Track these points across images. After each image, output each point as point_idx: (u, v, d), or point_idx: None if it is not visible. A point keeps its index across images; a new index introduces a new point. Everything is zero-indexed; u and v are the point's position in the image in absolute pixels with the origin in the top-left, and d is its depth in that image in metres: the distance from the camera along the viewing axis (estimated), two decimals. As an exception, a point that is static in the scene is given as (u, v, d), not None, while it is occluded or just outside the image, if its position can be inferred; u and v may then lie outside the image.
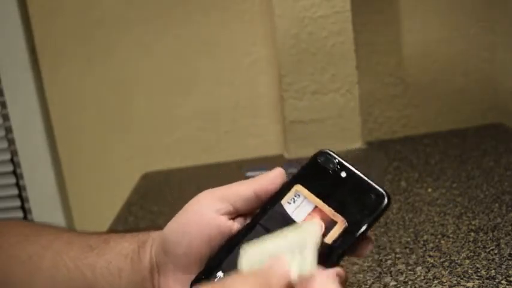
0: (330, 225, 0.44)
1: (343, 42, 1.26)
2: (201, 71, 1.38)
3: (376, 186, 0.45)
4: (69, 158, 1.44)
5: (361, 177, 0.46)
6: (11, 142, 1.43)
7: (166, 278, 0.47)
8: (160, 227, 0.49)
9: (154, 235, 0.49)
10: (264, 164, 1.32)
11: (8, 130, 1.42)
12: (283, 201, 0.46)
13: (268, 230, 0.45)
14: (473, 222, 0.86)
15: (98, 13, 1.36)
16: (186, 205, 0.48)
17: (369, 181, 0.46)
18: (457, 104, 1.40)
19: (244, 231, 0.46)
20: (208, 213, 0.46)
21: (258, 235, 0.44)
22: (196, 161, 1.41)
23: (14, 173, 1.45)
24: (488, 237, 0.81)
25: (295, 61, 1.27)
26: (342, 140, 1.31)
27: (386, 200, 0.44)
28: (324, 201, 0.45)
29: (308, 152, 1.37)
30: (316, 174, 0.47)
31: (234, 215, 0.47)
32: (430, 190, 1.02)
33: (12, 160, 1.44)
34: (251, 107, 1.40)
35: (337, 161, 0.47)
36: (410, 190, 1.03)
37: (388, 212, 0.95)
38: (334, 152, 0.47)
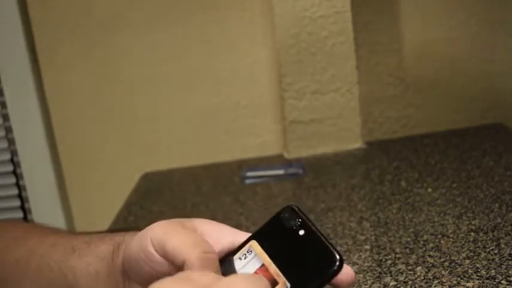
0: (272, 285, 0.42)
1: (343, 42, 1.26)
2: (201, 71, 1.38)
3: (331, 249, 0.43)
4: (69, 158, 1.44)
5: (317, 237, 0.44)
6: (11, 142, 1.43)
7: (131, 286, 0.47)
8: (138, 228, 0.48)
9: (128, 239, 0.48)
10: (264, 164, 1.32)
11: (8, 130, 1.42)
12: (235, 257, 0.45)
13: None
14: (473, 222, 0.86)
15: (97, 13, 1.36)
16: (141, 235, 0.45)
17: (326, 242, 0.43)
18: (457, 104, 1.40)
19: None
20: (146, 247, 0.44)
21: None
22: (196, 161, 1.41)
23: (14, 173, 1.45)
24: (488, 237, 0.81)
25: (295, 61, 1.27)
26: (342, 140, 1.31)
27: (337, 264, 0.42)
28: (273, 259, 0.44)
29: (308, 152, 1.38)
30: (274, 231, 0.46)
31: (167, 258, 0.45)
32: (430, 190, 1.02)
33: (12, 160, 1.44)
34: (251, 107, 1.40)
35: (299, 218, 0.45)
36: (410, 190, 1.03)
37: (388, 212, 0.95)
38: (300, 210, 0.46)
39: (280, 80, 1.29)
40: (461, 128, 1.37)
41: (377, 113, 1.40)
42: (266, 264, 0.44)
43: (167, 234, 0.43)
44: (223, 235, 0.45)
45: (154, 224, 0.45)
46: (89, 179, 1.45)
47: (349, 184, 1.11)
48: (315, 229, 0.44)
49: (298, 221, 0.45)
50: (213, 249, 0.43)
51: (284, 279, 0.42)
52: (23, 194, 1.46)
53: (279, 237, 0.45)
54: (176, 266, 0.43)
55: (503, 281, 0.69)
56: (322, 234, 0.44)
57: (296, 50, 1.26)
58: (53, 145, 1.43)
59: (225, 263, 0.45)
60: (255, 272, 0.44)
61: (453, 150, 1.23)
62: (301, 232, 0.45)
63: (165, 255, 0.43)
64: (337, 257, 0.42)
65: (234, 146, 1.41)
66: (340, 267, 0.41)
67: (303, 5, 1.24)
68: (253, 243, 0.45)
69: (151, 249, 0.44)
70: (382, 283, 0.73)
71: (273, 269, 0.43)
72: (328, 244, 0.43)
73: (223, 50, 1.37)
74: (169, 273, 0.43)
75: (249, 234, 0.46)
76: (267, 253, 0.44)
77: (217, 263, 0.43)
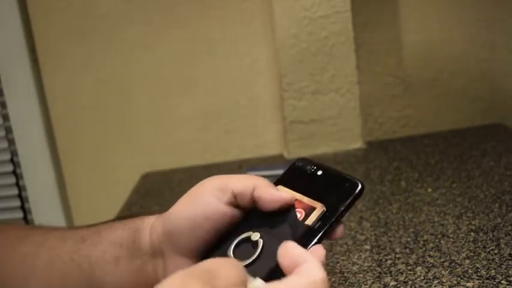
0: (309, 211, 0.48)
1: (343, 42, 1.26)
2: (201, 71, 1.38)
3: (350, 177, 0.50)
4: (69, 158, 1.44)
5: (336, 172, 0.51)
6: (11, 142, 1.43)
7: (170, 262, 0.48)
8: (154, 212, 0.49)
9: (153, 221, 0.49)
10: (264, 164, 1.32)
11: (8, 130, 1.42)
12: None
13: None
14: (473, 222, 0.86)
15: (97, 13, 1.36)
16: (191, 192, 0.49)
17: (343, 174, 0.50)
18: (457, 104, 1.40)
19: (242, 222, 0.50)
20: (213, 202, 0.47)
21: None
22: (196, 161, 1.41)
23: (14, 173, 1.45)
24: (488, 237, 0.81)
25: (295, 61, 1.27)
26: (342, 140, 1.31)
27: (359, 186, 0.49)
28: (303, 194, 0.50)
29: (308, 152, 1.38)
30: (295, 176, 0.53)
31: (235, 205, 0.48)
32: (430, 190, 1.02)
33: (12, 160, 1.44)
34: (251, 107, 1.40)
35: (314, 164, 0.52)
36: (410, 190, 1.03)
37: (388, 212, 0.95)
38: (311, 159, 0.53)
39: (280, 80, 1.29)
40: (461, 128, 1.37)
41: (377, 113, 1.40)
42: (299, 198, 0.50)
43: (227, 179, 0.48)
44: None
45: (200, 184, 0.49)
46: (89, 179, 1.45)
47: (349, 184, 1.11)
48: (331, 168, 0.52)
49: (314, 166, 0.52)
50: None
51: (320, 203, 0.48)
52: (23, 194, 1.46)
53: (301, 179, 0.52)
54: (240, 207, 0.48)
55: (503, 281, 0.69)
56: (339, 171, 0.51)
57: (296, 50, 1.26)
58: (53, 145, 1.43)
59: None
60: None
61: (453, 150, 1.23)
62: (319, 172, 0.52)
63: (231, 198, 0.48)
64: (358, 182, 0.49)
65: (234, 146, 1.41)
66: (363, 189, 0.48)
67: (303, 5, 1.24)
68: (280, 188, 0.51)
69: (216, 202, 0.47)
70: (382, 283, 0.73)
71: (307, 199, 0.49)
72: (347, 176, 0.50)
73: (223, 50, 1.37)
74: (230, 219, 0.47)
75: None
76: (296, 191, 0.50)
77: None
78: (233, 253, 0.47)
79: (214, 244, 0.48)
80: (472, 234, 0.83)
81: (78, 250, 0.50)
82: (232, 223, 0.48)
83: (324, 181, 0.51)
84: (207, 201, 0.47)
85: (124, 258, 0.48)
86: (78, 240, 0.51)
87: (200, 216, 0.47)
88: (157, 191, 1.27)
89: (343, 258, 0.81)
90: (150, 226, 0.49)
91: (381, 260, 0.79)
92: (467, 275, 0.71)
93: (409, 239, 0.84)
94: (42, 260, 0.51)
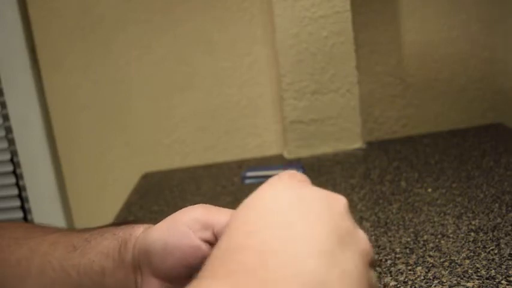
0: None
1: (343, 42, 1.26)
2: (200, 71, 1.38)
3: None
4: (69, 158, 1.44)
5: None
6: (11, 142, 1.43)
7: (145, 280, 0.47)
8: (142, 222, 0.48)
9: (137, 234, 0.48)
10: (264, 164, 1.32)
11: (8, 130, 1.42)
12: None
13: None
14: (473, 222, 0.86)
15: (97, 13, 1.36)
16: (173, 216, 0.46)
17: None
18: (457, 104, 1.40)
19: None
20: (188, 234, 0.45)
21: None
22: (196, 161, 1.41)
23: (14, 173, 1.45)
24: (488, 237, 0.81)
25: (295, 61, 1.27)
26: (342, 140, 1.31)
27: None
28: None
29: (308, 152, 1.38)
30: None
31: (212, 242, 0.45)
32: (430, 190, 1.02)
33: (12, 160, 1.44)
34: (251, 107, 1.40)
35: None
36: (410, 190, 1.03)
37: (388, 212, 0.95)
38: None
39: (280, 80, 1.29)
40: (461, 128, 1.37)
41: (377, 113, 1.40)
42: None
43: (211, 215, 0.45)
44: None
45: (184, 210, 0.46)
46: (89, 179, 1.45)
47: (349, 184, 1.11)
48: None
49: None
50: None
51: None
52: (23, 194, 1.46)
53: None
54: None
55: (503, 281, 0.69)
56: None
57: (296, 50, 1.26)
58: (53, 145, 1.43)
59: None
60: None
61: (453, 150, 1.23)
62: None
63: (211, 236, 0.45)
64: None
65: (234, 146, 1.41)
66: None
67: (303, 5, 1.24)
68: None
69: (191, 235, 0.45)
70: (382, 283, 0.73)
71: None
72: None
73: (223, 50, 1.37)
74: (202, 257, 0.44)
75: None
76: None
77: None
78: None
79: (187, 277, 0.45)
80: (472, 234, 0.83)
81: (69, 258, 0.50)
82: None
83: None
84: (183, 231, 0.45)
85: (109, 269, 0.48)
86: (69, 248, 0.50)
87: (171, 245, 0.45)
88: (157, 191, 1.27)
89: (343, 258, 0.81)
90: (136, 238, 0.48)
91: (381, 260, 0.79)
92: (467, 275, 0.71)
93: (409, 239, 0.84)
94: (35, 265, 0.51)
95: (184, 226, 0.45)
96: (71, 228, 0.58)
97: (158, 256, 0.45)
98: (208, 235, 0.45)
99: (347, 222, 0.35)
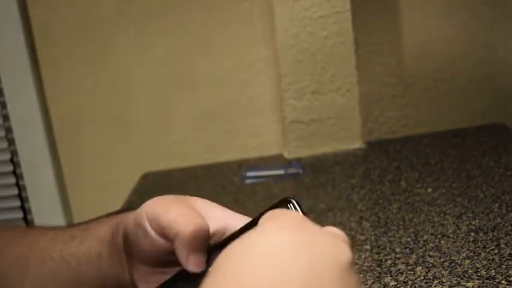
0: None
1: (343, 42, 1.26)
2: (201, 71, 1.38)
3: None
4: (69, 158, 1.44)
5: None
6: (11, 142, 1.43)
7: (135, 265, 0.47)
8: (135, 208, 0.48)
9: (125, 218, 0.48)
10: (264, 164, 1.32)
11: (8, 130, 1.42)
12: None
13: None
14: (473, 222, 0.86)
15: (97, 13, 1.36)
16: (137, 212, 0.45)
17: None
18: (457, 104, 1.40)
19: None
20: (152, 236, 0.44)
21: None
22: (196, 161, 1.41)
23: (14, 173, 1.45)
24: (488, 237, 0.81)
25: (295, 61, 1.27)
26: (342, 140, 1.31)
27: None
28: None
29: (308, 152, 1.38)
30: None
31: (163, 234, 0.44)
32: (430, 190, 1.02)
33: (12, 160, 1.44)
34: (251, 107, 1.40)
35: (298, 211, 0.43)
36: (410, 190, 1.03)
37: (388, 212, 0.95)
38: (298, 203, 0.43)
39: (280, 79, 1.29)
40: (461, 128, 1.37)
41: (377, 113, 1.40)
42: None
43: (161, 209, 0.43)
44: (216, 218, 0.44)
45: (150, 200, 0.45)
46: (89, 179, 1.45)
47: (349, 184, 1.11)
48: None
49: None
50: (207, 225, 0.42)
51: None
52: (23, 194, 1.46)
53: None
54: (169, 241, 0.42)
55: (503, 281, 0.69)
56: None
57: (296, 50, 1.26)
58: (53, 145, 1.43)
59: (213, 253, 0.43)
60: None
61: (453, 150, 1.23)
62: None
63: (159, 230, 0.43)
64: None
65: (234, 146, 1.41)
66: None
67: (303, 5, 1.24)
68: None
69: (147, 225, 0.43)
70: (382, 283, 0.73)
71: None
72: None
73: (223, 50, 1.37)
74: (167, 249, 0.43)
75: (242, 218, 0.44)
76: None
77: (208, 240, 0.42)
78: None
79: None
80: (472, 234, 0.83)
81: (67, 248, 0.50)
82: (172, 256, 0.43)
83: None
84: (142, 224, 0.44)
85: (105, 254, 0.48)
86: (68, 239, 0.51)
87: (140, 235, 0.44)
88: (157, 191, 1.26)
89: (343, 258, 0.81)
90: (123, 223, 0.48)
91: (380, 260, 0.79)
92: (467, 275, 0.71)
93: (409, 239, 0.84)
94: (34, 261, 0.52)
95: (142, 210, 0.44)
96: (69, 224, 0.59)
97: (133, 244, 0.45)
98: (157, 229, 0.43)
99: (352, 279, 0.33)
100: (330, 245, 0.33)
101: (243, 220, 0.44)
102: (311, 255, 0.32)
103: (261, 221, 0.36)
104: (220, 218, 0.44)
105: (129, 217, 0.46)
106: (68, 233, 0.52)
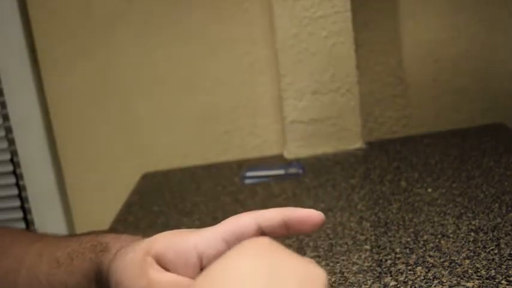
0: None
1: (343, 42, 1.26)
2: (201, 71, 1.38)
3: None
4: (69, 158, 1.44)
5: None
6: (11, 142, 1.43)
7: None
8: (121, 232, 0.48)
9: (107, 262, 0.47)
10: (264, 164, 1.32)
11: (8, 130, 1.42)
12: None
13: None
14: (473, 222, 0.86)
15: (97, 13, 1.36)
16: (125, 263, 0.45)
17: None
18: (457, 104, 1.40)
19: None
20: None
21: None
22: (196, 161, 1.41)
23: (14, 173, 1.45)
24: (488, 237, 0.81)
25: (295, 61, 1.27)
26: (342, 140, 1.31)
27: None
28: None
29: (308, 152, 1.38)
30: None
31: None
32: (430, 190, 1.02)
33: (12, 160, 1.44)
34: (251, 107, 1.40)
35: None
36: (410, 190, 1.03)
37: (388, 212, 0.95)
38: None
39: (279, 80, 1.29)
40: (461, 128, 1.37)
41: (377, 113, 1.40)
42: None
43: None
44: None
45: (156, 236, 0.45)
46: (89, 179, 1.45)
47: (349, 184, 1.11)
48: None
49: None
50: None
51: None
52: (23, 194, 1.46)
53: None
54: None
55: (503, 281, 0.69)
56: None
57: (296, 50, 1.26)
58: (53, 145, 1.43)
59: None
60: None
61: (453, 150, 1.23)
62: None
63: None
64: None
65: (234, 146, 1.41)
66: None
67: (303, 5, 1.24)
68: None
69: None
70: (382, 283, 0.73)
71: None
72: None
73: (223, 50, 1.37)
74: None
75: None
76: None
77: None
78: None
79: None
80: (472, 234, 0.83)
81: (54, 274, 0.51)
82: None
83: None
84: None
85: None
86: (53, 264, 0.51)
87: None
88: (157, 191, 1.27)
89: (343, 258, 0.81)
90: (107, 267, 0.47)
91: (380, 260, 0.79)
92: (467, 275, 0.71)
93: (409, 239, 0.84)
94: (22, 278, 0.52)
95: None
96: (54, 236, 0.58)
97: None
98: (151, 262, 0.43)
99: None
100: (304, 267, 0.34)
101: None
102: (286, 276, 0.32)
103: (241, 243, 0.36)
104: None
105: (107, 259, 0.46)
106: (52, 254, 0.52)
